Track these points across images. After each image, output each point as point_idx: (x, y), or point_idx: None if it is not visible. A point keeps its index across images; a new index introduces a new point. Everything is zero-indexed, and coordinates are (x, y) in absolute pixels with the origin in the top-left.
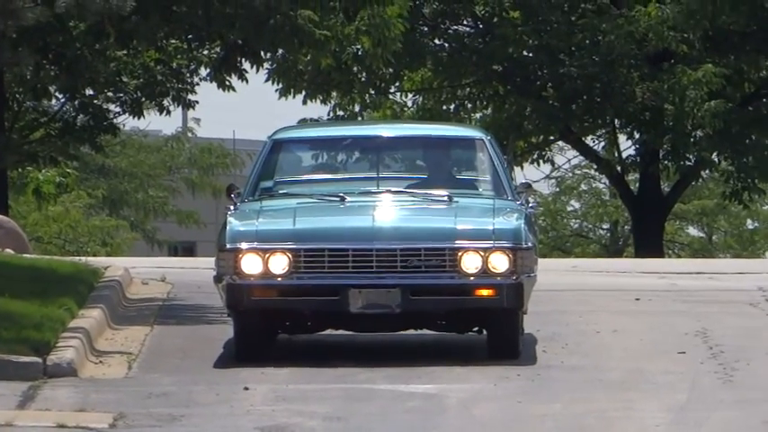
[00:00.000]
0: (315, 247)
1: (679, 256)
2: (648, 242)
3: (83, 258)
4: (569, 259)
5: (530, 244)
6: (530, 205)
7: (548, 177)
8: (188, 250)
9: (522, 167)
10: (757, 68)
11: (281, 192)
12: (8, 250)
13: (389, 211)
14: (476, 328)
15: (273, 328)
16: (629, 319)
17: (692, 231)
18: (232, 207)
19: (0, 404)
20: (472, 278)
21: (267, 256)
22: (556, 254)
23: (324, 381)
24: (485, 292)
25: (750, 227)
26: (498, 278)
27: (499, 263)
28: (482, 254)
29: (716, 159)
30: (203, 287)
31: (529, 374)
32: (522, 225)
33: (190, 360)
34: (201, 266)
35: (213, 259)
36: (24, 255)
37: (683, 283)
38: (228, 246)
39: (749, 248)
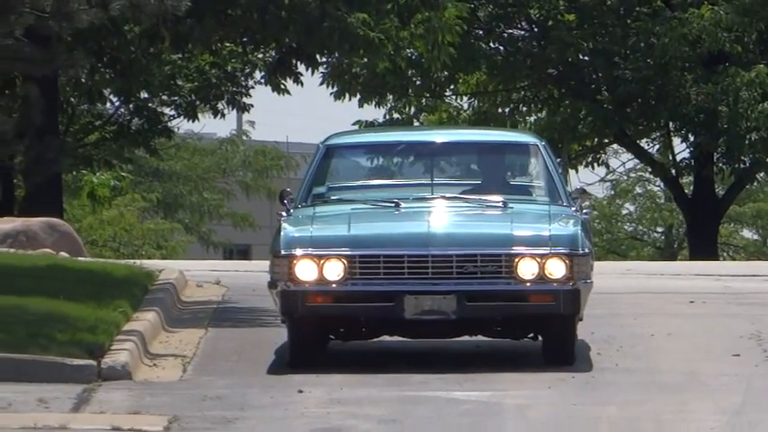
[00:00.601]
0: (370, 253)
1: (733, 259)
2: (703, 245)
3: (137, 261)
4: (624, 262)
5: (586, 250)
6: (584, 211)
7: (602, 180)
8: (243, 253)
9: (576, 170)
10: None
11: (334, 197)
12: (63, 253)
13: (445, 216)
14: (531, 335)
15: (327, 335)
16: (684, 321)
17: (747, 234)
18: (284, 213)
19: (55, 407)
20: (528, 284)
21: (322, 262)
22: (611, 257)
23: (378, 385)
24: (541, 299)
25: None
26: (555, 284)
27: (556, 269)
28: (539, 260)
29: None
30: (258, 290)
31: (583, 377)
32: (579, 231)
33: (244, 363)
34: (256, 269)
35: (268, 262)
36: (79, 258)
37: (737, 286)
38: (283, 252)
39: None
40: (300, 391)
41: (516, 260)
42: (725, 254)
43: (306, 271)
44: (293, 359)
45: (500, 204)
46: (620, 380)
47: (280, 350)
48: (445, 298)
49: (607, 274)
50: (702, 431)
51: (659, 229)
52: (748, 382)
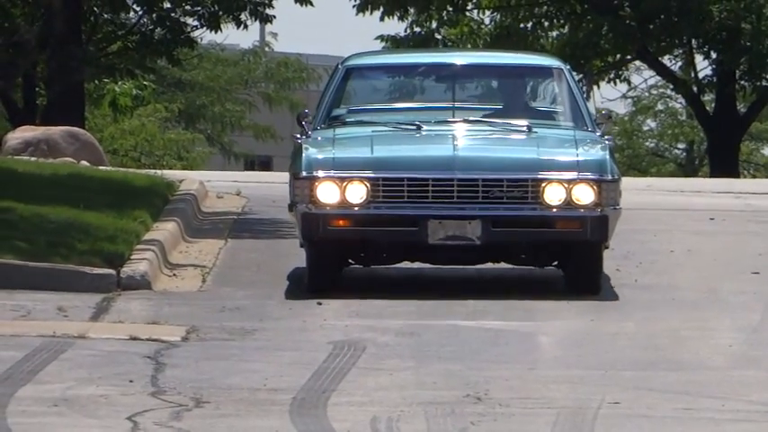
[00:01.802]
0: (394, 176)
1: (754, 177)
2: (724, 162)
3: (158, 171)
4: (644, 179)
5: (615, 176)
6: (607, 137)
7: (624, 97)
8: (264, 164)
9: (598, 86)
10: None
11: (353, 120)
12: (84, 162)
13: (469, 140)
14: (555, 263)
15: (347, 259)
16: (704, 238)
17: None
18: (300, 135)
19: (74, 315)
20: (555, 210)
21: (345, 184)
22: (631, 173)
23: (396, 297)
24: (568, 225)
25: None
26: (582, 210)
27: (584, 195)
28: (566, 185)
29: None
30: (278, 201)
31: (602, 293)
32: (607, 156)
33: (263, 274)
34: (277, 181)
35: (288, 177)
36: (100, 167)
37: (757, 203)
38: (305, 173)
39: None
40: (319, 303)
41: (543, 185)
42: (746, 171)
43: (328, 193)
44: (312, 283)
45: (524, 129)
46: (639, 296)
47: (298, 266)
48: (470, 223)
49: (627, 190)
50: (720, 348)
51: (680, 146)
52: (767, 300)
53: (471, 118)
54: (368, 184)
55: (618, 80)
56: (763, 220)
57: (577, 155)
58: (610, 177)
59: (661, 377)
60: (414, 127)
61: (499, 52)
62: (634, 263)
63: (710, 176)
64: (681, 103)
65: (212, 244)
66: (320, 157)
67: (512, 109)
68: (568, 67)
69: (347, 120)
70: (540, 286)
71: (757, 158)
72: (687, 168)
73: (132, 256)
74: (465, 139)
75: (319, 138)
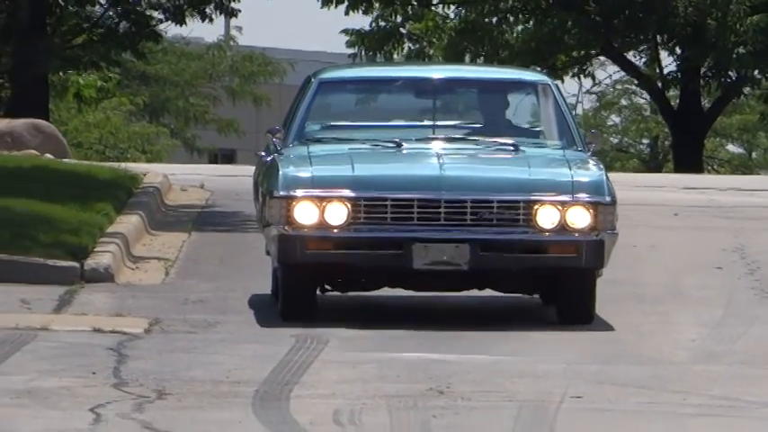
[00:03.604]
0: (377, 195)
1: (718, 172)
2: (688, 158)
3: (122, 164)
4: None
5: (612, 198)
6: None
7: (588, 92)
8: (228, 158)
9: (562, 81)
10: None
11: (329, 136)
12: (48, 155)
13: (455, 159)
14: (541, 293)
15: (324, 285)
16: (667, 233)
17: (732, 148)
18: (267, 152)
19: (37, 308)
20: (548, 234)
21: (324, 204)
22: None
23: (361, 294)
24: (562, 250)
25: None
26: (577, 235)
27: (579, 218)
28: (560, 208)
29: (758, 76)
30: (241, 194)
31: None
32: (604, 177)
33: (226, 267)
34: (240, 174)
35: (252, 168)
36: (64, 160)
37: (721, 199)
38: (282, 192)
39: None
40: None
41: (536, 207)
42: (710, 167)
43: (306, 214)
44: (286, 310)
45: (511, 147)
46: (602, 291)
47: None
48: (458, 247)
49: None
50: (683, 343)
51: (645, 142)
52: (730, 295)
53: (454, 135)
54: (349, 205)
55: (582, 75)
56: (726, 215)
57: (572, 176)
58: (607, 200)
59: (623, 371)
60: (393, 144)
61: (482, 66)
62: None
63: (675, 172)
64: (645, 98)
65: (176, 237)
66: (298, 175)
67: (496, 127)
68: (556, 82)
69: (321, 137)
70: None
71: (721, 154)
72: (651, 164)
73: (96, 249)
74: (451, 158)
75: (292, 155)
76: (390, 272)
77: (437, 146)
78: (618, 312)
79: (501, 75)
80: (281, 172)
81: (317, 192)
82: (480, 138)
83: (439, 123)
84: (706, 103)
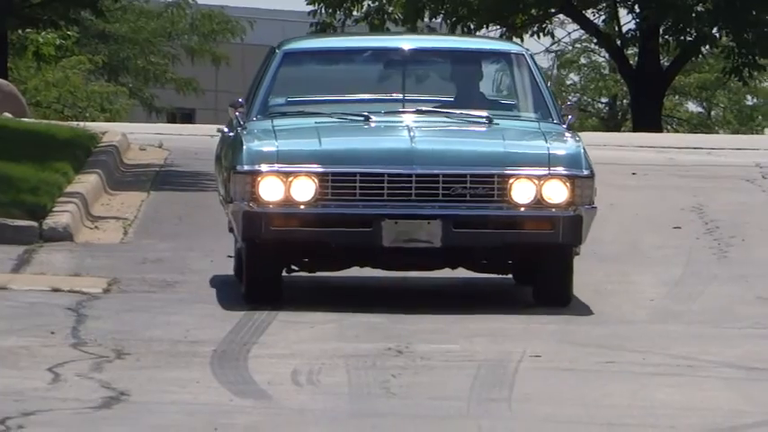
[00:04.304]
0: (345, 170)
1: (677, 132)
2: (647, 117)
3: (81, 123)
4: None
5: (590, 172)
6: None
7: (547, 51)
8: (187, 117)
9: (522, 40)
10: None
11: (294, 110)
12: (6, 114)
13: (427, 132)
14: (510, 275)
15: (290, 264)
16: (626, 193)
17: (691, 107)
18: (230, 127)
19: None
20: (524, 209)
21: (290, 179)
22: None
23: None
24: (538, 226)
25: (749, 103)
26: (554, 210)
27: (555, 193)
28: (536, 182)
29: (716, 35)
30: (200, 154)
31: None
32: (581, 150)
33: (185, 226)
34: (199, 133)
35: (211, 127)
36: (23, 119)
37: (680, 158)
38: (246, 167)
39: (748, 124)
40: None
41: (510, 182)
42: (669, 126)
43: (271, 190)
44: (250, 292)
45: (484, 120)
46: None
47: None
48: (430, 223)
49: None
50: (642, 302)
51: (603, 100)
52: (689, 255)
53: (425, 108)
54: (316, 180)
55: (541, 34)
56: (685, 174)
57: (548, 148)
58: (585, 173)
59: (583, 331)
60: (362, 117)
61: (454, 36)
62: None
63: (633, 131)
64: (604, 57)
65: (134, 196)
66: (263, 149)
67: (469, 99)
68: (530, 52)
69: (286, 110)
70: None
71: (680, 113)
72: (610, 123)
73: (54, 208)
74: (422, 131)
75: (256, 129)
76: (359, 250)
77: (408, 119)
78: (577, 271)
79: (473, 45)
80: (244, 146)
81: (282, 167)
82: (453, 110)
83: (409, 96)
84: (665, 61)
